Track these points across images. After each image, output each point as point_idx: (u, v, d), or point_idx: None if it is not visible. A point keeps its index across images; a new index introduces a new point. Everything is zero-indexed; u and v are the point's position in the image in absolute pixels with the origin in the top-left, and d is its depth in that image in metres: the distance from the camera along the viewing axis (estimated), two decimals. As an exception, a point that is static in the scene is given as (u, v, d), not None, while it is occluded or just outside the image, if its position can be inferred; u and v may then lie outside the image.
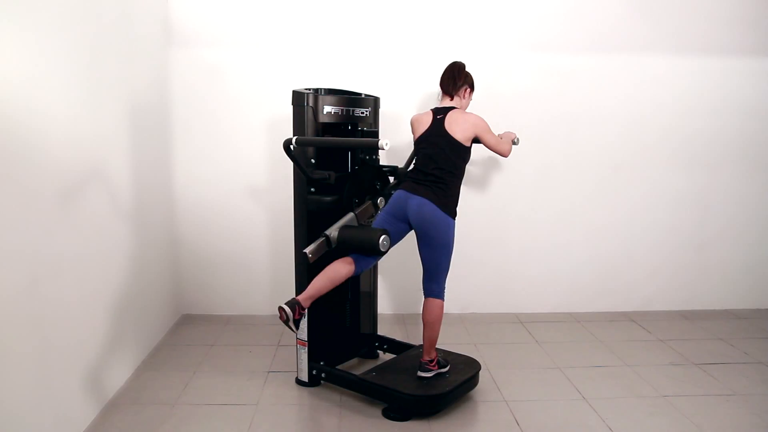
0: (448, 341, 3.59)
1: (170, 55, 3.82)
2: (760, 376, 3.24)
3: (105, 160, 2.82)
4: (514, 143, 3.22)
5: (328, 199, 2.77)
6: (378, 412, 2.76)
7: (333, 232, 2.74)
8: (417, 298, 4.18)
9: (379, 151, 3.06)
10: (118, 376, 2.98)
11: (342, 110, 2.93)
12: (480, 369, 2.99)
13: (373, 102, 3.11)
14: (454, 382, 2.80)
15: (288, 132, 2.93)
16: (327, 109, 2.87)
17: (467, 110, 2.94)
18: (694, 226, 4.29)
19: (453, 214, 2.79)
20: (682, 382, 3.15)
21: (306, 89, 2.87)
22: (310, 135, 2.84)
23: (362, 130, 3.11)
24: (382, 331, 3.52)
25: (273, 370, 3.24)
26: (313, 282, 2.71)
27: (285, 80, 3.83)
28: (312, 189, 2.84)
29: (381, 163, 3.17)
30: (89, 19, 2.64)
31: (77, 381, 2.51)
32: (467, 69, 2.93)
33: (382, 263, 3.59)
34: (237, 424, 2.67)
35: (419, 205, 2.74)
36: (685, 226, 4.29)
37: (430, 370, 2.85)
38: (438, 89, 2.97)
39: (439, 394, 2.71)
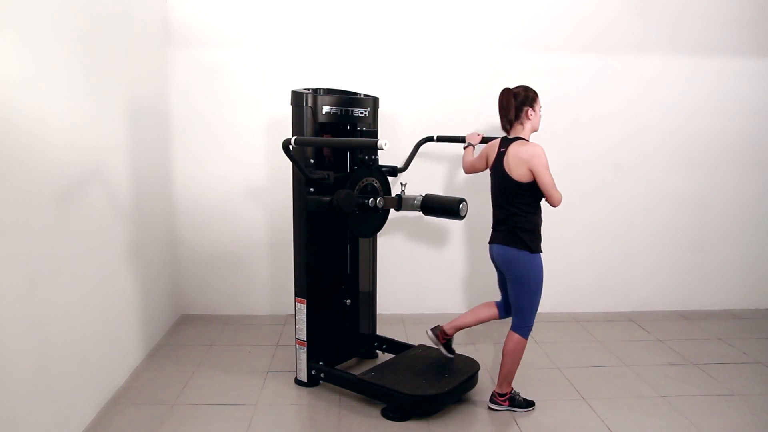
0: (447, 341, 3.59)
1: (169, 55, 3.82)
2: (758, 376, 3.25)
3: (104, 160, 2.82)
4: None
5: (327, 199, 2.77)
6: (377, 412, 2.77)
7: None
8: (416, 298, 4.19)
9: (378, 151, 3.05)
10: (117, 376, 2.98)
11: (341, 110, 2.93)
12: (479, 369, 3.00)
13: (372, 102, 3.11)
14: (453, 382, 2.80)
15: (287, 132, 2.93)
16: (326, 109, 2.87)
17: (536, 132, 2.78)
18: (693, 226, 4.29)
19: (528, 247, 2.63)
20: (681, 382, 3.15)
21: (305, 89, 2.87)
22: (309, 135, 2.84)
23: (361, 131, 3.11)
24: (381, 331, 3.52)
25: (272, 370, 3.24)
26: (461, 315, 2.96)
27: (284, 80, 3.83)
28: (311, 189, 2.84)
29: (380, 163, 3.17)
30: (88, 20, 2.64)
31: (76, 381, 2.51)
32: (523, 85, 2.72)
33: (382, 263, 3.59)
34: (236, 424, 2.67)
35: (495, 251, 2.76)
36: (684, 226, 4.29)
37: (499, 404, 2.81)
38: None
39: (438, 394, 2.71)
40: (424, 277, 4.20)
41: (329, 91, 2.95)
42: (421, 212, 3.00)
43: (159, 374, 3.15)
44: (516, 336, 2.75)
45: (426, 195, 2.98)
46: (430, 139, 3.43)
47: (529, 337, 3.84)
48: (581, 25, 3.99)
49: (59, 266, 2.37)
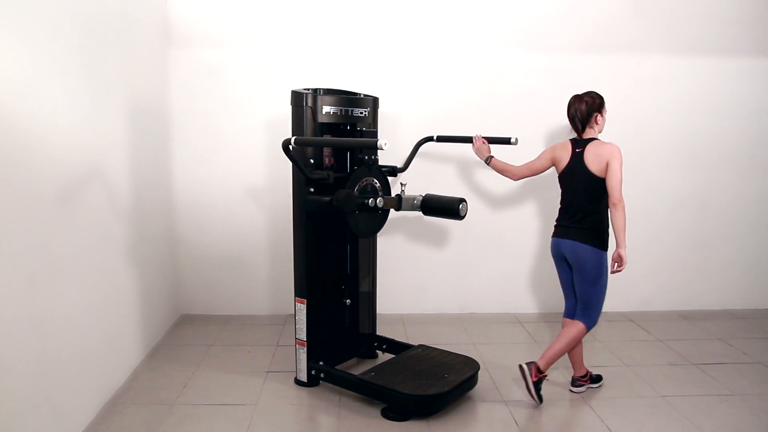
0: (447, 341, 3.59)
1: (170, 55, 3.82)
2: (758, 376, 3.25)
3: (104, 160, 2.82)
4: (512, 143, 3.24)
5: (327, 199, 2.77)
6: (377, 412, 2.76)
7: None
8: (416, 298, 4.19)
9: (378, 151, 3.05)
10: (117, 376, 2.98)
11: (341, 110, 2.93)
12: (479, 369, 3.00)
13: (372, 102, 3.11)
14: (453, 382, 2.80)
15: (287, 132, 2.93)
16: (326, 109, 2.87)
17: (605, 130, 2.94)
18: (692, 226, 4.29)
19: (601, 245, 2.83)
20: (681, 382, 3.15)
21: (305, 89, 2.87)
22: (309, 135, 2.84)
23: (361, 131, 3.11)
24: (381, 331, 3.52)
25: (272, 370, 3.24)
26: (551, 347, 2.90)
27: (284, 80, 3.83)
28: (311, 189, 2.84)
29: (380, 163, 3.17)
30: (88, 20, 2.64)
31: (76, 381, 2.51)
32: (591, 92, 2.85)
33: (382, 263, 3.59)
34: (236, 424, 2.67)
35: (568, 247, 2.88)
36: (684, 226, 4.29)
37: (530, 380, 2.82)
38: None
39: (438, 394, 2.71)
40: (424, 277, 4.20)
41: (329, 91, 2.95)
42: (421, 212, 3.00)
43: (159, 374, 3.15)
44: (581, 324, 2.88)
45: (426, 195, 2.98)
46: (430, 139, 3.43)
47: (529, 336, 3.86)
48: (580, 24, 3.99)
49: (59, 266, 2.37)
